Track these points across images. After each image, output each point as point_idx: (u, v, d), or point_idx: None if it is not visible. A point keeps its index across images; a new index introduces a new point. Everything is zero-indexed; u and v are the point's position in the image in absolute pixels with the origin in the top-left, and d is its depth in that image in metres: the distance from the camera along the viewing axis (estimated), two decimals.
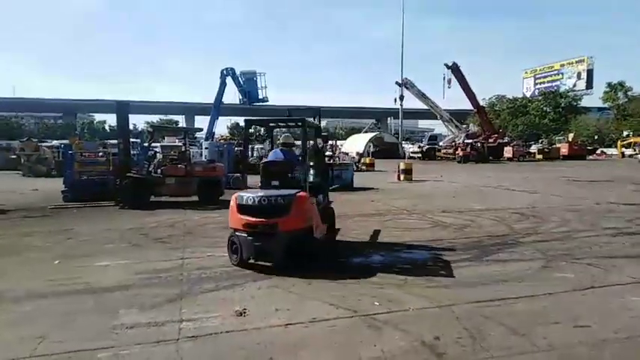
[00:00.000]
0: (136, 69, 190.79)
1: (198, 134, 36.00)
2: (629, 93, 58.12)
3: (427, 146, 43.40)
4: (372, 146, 43.29)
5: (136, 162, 12.25)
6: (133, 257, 6.14)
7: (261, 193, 5.55)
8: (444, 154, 39.36)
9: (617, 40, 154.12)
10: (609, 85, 60.15)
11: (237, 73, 31.62)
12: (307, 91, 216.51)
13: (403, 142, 53.33)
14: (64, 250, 6.66)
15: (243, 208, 5.48)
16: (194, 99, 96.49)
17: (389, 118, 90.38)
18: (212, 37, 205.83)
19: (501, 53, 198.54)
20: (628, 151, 42.75)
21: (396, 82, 48.00)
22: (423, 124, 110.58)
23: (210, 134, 31.43)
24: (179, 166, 12.10)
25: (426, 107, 47.35)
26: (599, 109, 65.64)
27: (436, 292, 4.53)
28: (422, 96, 45.22)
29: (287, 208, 5.33)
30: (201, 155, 23.50)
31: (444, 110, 47.03)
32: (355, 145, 42.38)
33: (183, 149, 14.19)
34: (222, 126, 73.67)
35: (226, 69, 31.46)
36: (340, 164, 18.26)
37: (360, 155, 32.55)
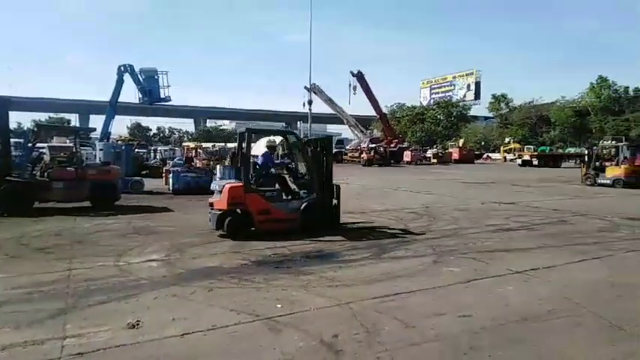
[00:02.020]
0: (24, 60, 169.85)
1: (93, 134, 33.28)
2: (510, 104, 65.28)
3: (335, 150, 44.66)
4: (280, 149, 43.40)
5: (17, 164, 10.95)
6: (10, 270, 5.47)
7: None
8: (350, 157, 40.85)
9: (500, 57, 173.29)
10: (494, 96, 67.09)
11: (137, 70, 29.84)
12: (217, 93, 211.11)
13: None
14: None
15: None
16: (89, 97, 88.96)
17: (299, 122, 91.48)
18: (113, 30, 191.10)
19: (403, 63, 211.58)
20: (509, 156, 47.92)
21: (305, 87, 48.79)
22: (331, 128, 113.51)
23: (106, 135, 29.23)
24: (68, 168, 11.06)
25: (334, 112, 48.80)
26: (486, 118, 72.92)
27: (337, 291, 4.66)
28: (330, 101, 46.56)
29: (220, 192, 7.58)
30: (95, 157, 21.72)
31: (350, 116, 48.88)
32: (263, 148, 42.17)
33: (74, 150, 13.01)
34: (122, 126, 68.87)
35: (124, 65, 29.55)
36: None
37: None
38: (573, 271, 5.65)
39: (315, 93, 47.45)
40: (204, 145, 38.53)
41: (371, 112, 47.64)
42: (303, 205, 7.73)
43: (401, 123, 66.21)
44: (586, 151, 21.41)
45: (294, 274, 5.32)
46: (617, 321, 3.93)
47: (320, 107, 52.41)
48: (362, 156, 37.42)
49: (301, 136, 8.76)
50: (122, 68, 29.49)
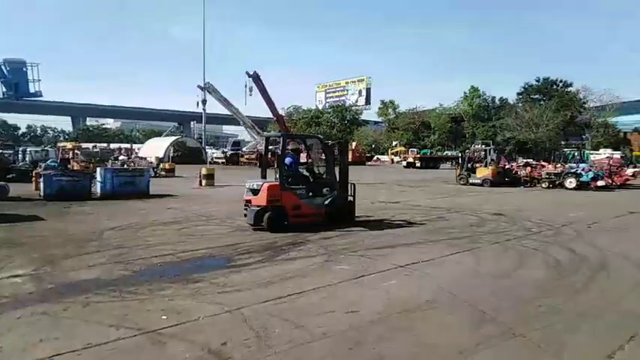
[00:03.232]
0: None
1: None
2: (397, 110, 69.93)
3: (231, 152, 43.86)
4: (172, 151, 41.43)
5: None
6: None
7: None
8: (247, 159, 40.36)
9: (389, 66, 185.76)
10: (382, 102, 71.36)
11: (0, 61, 26.19)
12: (100, 89, 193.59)
13: (207, 147, 52.60)
14: None
15: None
16: None
17: (192, 122, 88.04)
18: None
19: (300, 66, 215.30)
20: (396, 158, 51.34)
21: (198, 86, 47.04)
22: (227, 129, 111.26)
23: None
24: None
25: (229, 113, 47.78)
26: (375, 122, 77.20)
27: (228, 297, 4.55)
28: (225, 101, 45.39)
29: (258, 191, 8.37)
30: None
31: (247, 117, 48.27)
32: (154, 149, 39.84)
33: None
34: None
35: None
36: (134, 170, 16.85)
37: (160, 160, 30.76)
38: (448, 263, 6.22)
39: (209, 92, 45.92)
40: (84, 145, 35.18)
41: (268, 113, 47.52)
42: (327, 201, 8.85)
43: (297, 125, 67.19)
44: (460, 154, 23.80)
45: (182, 282, 5.09)
46: (483, 307, 4.41)
47: (215, 107, 50.97)
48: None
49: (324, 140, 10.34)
50: None
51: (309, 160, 10.50)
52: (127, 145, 49.80)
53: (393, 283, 5.21)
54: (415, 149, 50.90)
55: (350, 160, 49.02)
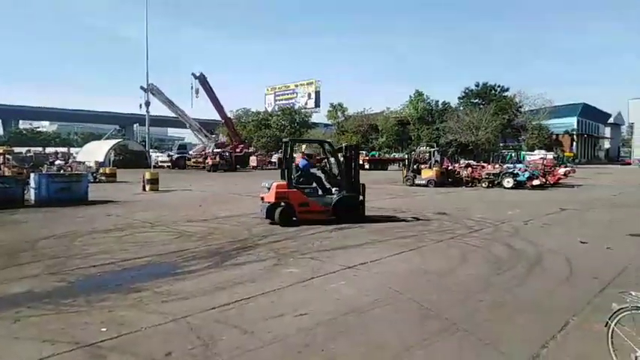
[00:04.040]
0: None
1: None
2: (346, 113, 70.86)
3: (177, 155, 42.52)
4: (114, 155, 39.61)
5: None
6: None
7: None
8: (194, 163, 39.24)
9: (338, 68, 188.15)
10: (332, 105, 72.04)
11: None
12: (33, 90, 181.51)
13: (151, 150, 50.75)
14: None
15: None
16: None
17: (135, 125, 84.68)
18: None
19: (249, 69, 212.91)
20: None
21: (141, 87, 45.33)
22: (173, 132, 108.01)
23: None
24: None
25: (174, 115, 46.38)
26: (325, 125, 77.78)
27: (173, 306, 4.40)
28: (170, 103, 44.05)
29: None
30: None
31: (194, 119, 47.08)
32: (94, 153, 37.87)
33: None
34: None
35: None
36: (71, 175, 15.92)
37: (100, 164, 29.30)
38: (395, 262, 6.36)
39: (152, 94, 44.41)
40: (17, 149, 32.81)
41: (216, 116, 46.72)
42: (335, 200, 9.66)
43: (247, 128, 66.40)
44: (406, 156, 24.48)
45: (124, 292, 4.85)
46: (427, 304, 4.54)
47: (160, 109, 49.44)
48: (207, 161, 36.30)
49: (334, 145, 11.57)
50: None
51: (323, 163, 11.55)
52: (64, 149, 46.97)
53: (342, 283, 5.26)
54: (364, 151, 51.81)
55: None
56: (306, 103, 78.97)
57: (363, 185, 10.22)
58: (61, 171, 20.14)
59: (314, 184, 10.04)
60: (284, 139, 10.89)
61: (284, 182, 9.63)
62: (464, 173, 21.81)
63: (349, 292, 4.92)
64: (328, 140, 11.54)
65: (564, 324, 4.06)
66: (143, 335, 3.71)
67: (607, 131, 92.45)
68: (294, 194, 9.48)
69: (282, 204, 9.31)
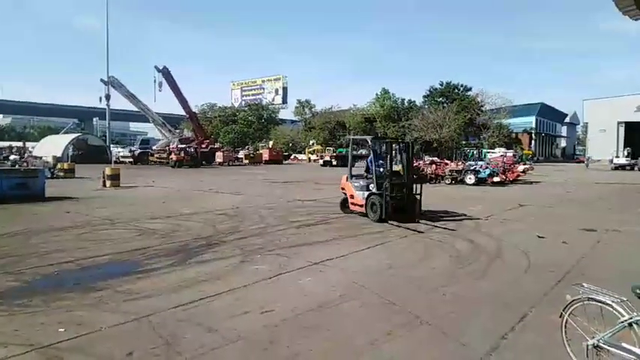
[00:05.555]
0: None
1: None
2: (313, 109, 70.89)
3: (139, 150, 41.39)
4: (72, 149, 38.13)
5: None
6: None
7: None
8: (157, 158, 38.32)
9: (305, 65, 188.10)
10: (299, 101, 71.89)
11: None
12: None
13: (112, 145, 49.15)
14: None
15: None
16: None
17: (95, 119, 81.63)
18: None
19: (214, 63, 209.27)
20: (313, 157, 52.06)
21: (101, 80, 43.77)
22: (135, 126, 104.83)
23: None
24: None
25: (137, 109, 45.08)
26: (292, 121, 77.54)
27: (134, 305, 4.28)
28: (131, 97, 42.78)
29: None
30: None
31: (157, 114, 45.91)
32: (51, 148, 36.34)
33: None
34: None
35: None
36: (27, 170, 15.19)
37: (58, 160, 28.13)
38: (361, 258, 6.43)
39: (113, 87, 42.98)
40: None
41: (180, 110, 45.69)
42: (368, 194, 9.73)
43: (212, 123, 65.34)
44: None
45: (83, 291, 4.69)
46: (392, 298, 4.62)
47: (121, 103, 47.94)
48: (171, 157, 35.49)
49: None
50: None
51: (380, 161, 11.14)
52: (19, 144, 44.83)
53: (309, 280, 5.27)
54: (331, 148, 52.00)
55: (268, 158, 48.89)
56: (273, 99, 78.38)
57: (421, 183, 9.89)
58: (16, 166, 19.17)
59: (367, 179, 10.21)
60: (346, 137, 12.65)
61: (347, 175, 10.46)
62: (428, 170, 22.25)
63: (315, 288, 4.93)
64: (383, 136, 12.54)
65: (522, 316, 4.22)
66: (103, 335, 3.59)
67: (564, 130, 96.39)
68: (348, 187, 10.25)
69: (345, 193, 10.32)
